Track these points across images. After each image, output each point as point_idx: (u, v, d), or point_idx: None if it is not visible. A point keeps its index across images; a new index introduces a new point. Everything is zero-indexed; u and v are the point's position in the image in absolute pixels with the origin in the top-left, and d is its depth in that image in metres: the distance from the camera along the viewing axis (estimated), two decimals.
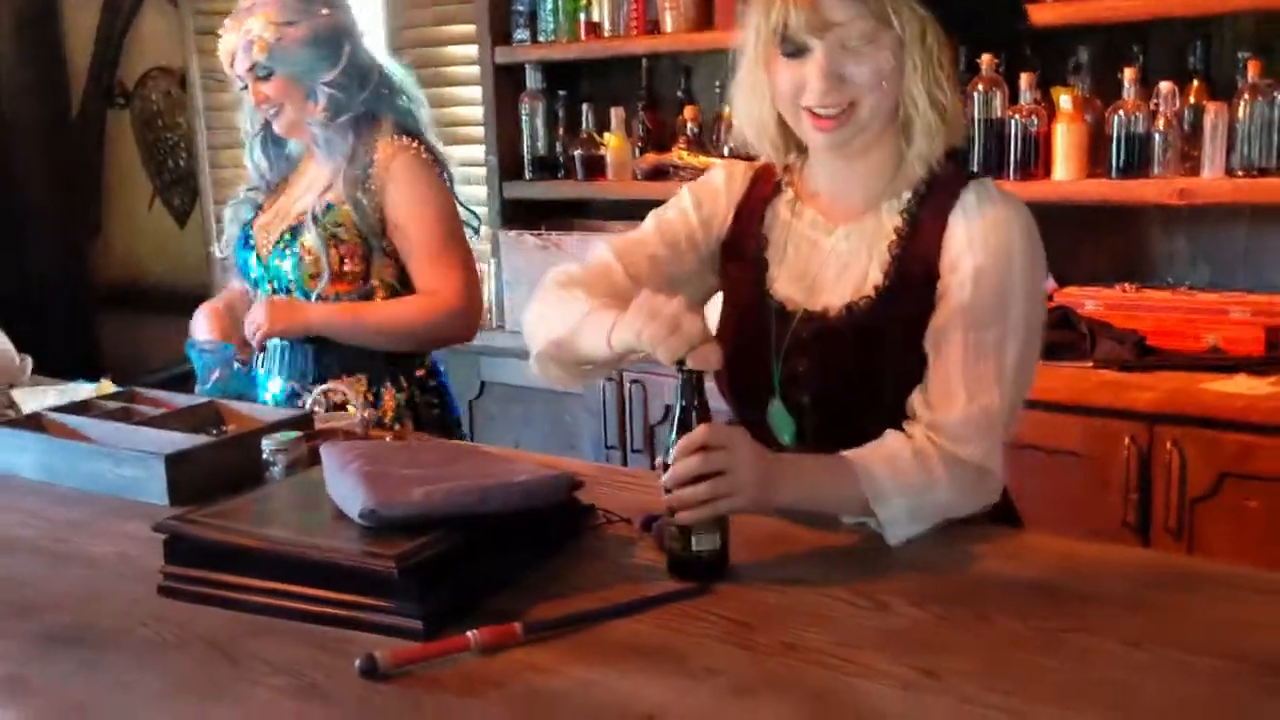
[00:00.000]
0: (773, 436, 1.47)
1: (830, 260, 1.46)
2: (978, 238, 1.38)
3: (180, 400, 1.93)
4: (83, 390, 2.08)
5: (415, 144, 2.15)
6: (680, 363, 1.23)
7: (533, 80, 3.39)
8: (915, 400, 1.38)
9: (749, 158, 1.57)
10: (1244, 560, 1.65)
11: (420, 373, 2.22)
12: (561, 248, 3.09)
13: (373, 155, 2.12)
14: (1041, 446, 2.36)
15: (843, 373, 1.41)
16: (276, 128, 2.19)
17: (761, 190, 1.54)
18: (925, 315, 1.39)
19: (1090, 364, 2.45)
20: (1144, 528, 2.30)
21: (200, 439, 1.70)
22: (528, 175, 3.43)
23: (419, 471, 1.30)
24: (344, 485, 1.28)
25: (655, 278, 1.49)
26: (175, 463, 1.59)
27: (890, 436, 1.36)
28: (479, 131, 3.52)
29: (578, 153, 3.32)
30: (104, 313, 4.87)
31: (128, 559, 1.40)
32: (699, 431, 1.23)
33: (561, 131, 3.40)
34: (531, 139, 3.42)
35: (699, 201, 1.55)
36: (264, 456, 1.58)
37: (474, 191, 3.69)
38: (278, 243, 2.16)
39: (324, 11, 2.13)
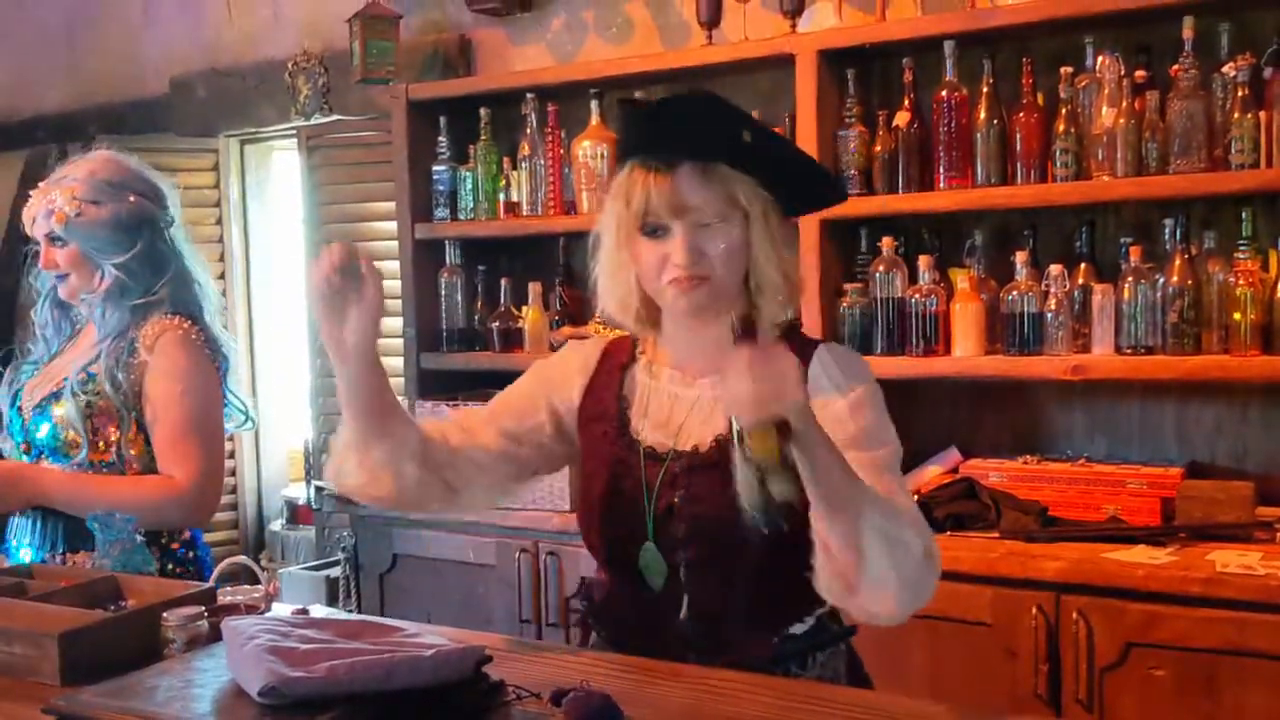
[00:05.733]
0: (644, 584, 1.52)
1: (694, 409, 1.56)
2: (843, 380, 1.50)
3: (79, 574, 1.87)
4: None
5: (187, 324, 2.19)
6: None
7: (452, 255, 3.46)
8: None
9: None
10: None
11: (175, 545, 2.22)
12: None
13: (139, 330, 2.17)
14: (952, 617, 2.39)
15: (715, 502, 1.46)
16: (61, 292, 2.25)
17: (615, 361, 1.65)
18: None
19: (996, 535, 2.50)
20: (1055, 699, 2.31)
21: (97, 615, 1.65)
22: (445, 347, 3.47)
23: (322, 646, 1.28)
24: (245, 661, 1.25)
25: (491, 429, 1.64)
26: (69, 641, 1.53)
27: None
28: (397, 304, 3.56)
29: (495, 325, 3.37)
30: None
31: None
32: (743, 354, 1.27)
33: (480, 305, 3.46)
34: (450, 312, 3.47)
35: (543, 367, 1.70)
36: (163, 633, 1.54)
37: (392, 363, 3.72)
38: (37, 407, 2.19)
39: (130, 199, 2.21)
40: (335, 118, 3.89)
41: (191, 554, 2.24)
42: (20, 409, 2.23)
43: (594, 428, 1.62)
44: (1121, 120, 2.53)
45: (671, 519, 1.51)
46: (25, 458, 2.21)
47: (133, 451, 2.17)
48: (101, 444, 2.15)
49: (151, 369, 2.14)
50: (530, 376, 1.70)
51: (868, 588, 1.34)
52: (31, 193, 2.23)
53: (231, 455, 4.28)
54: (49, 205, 2.17)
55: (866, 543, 1.32)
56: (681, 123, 1.51)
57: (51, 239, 2.19)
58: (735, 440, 1.30)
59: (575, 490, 1.65)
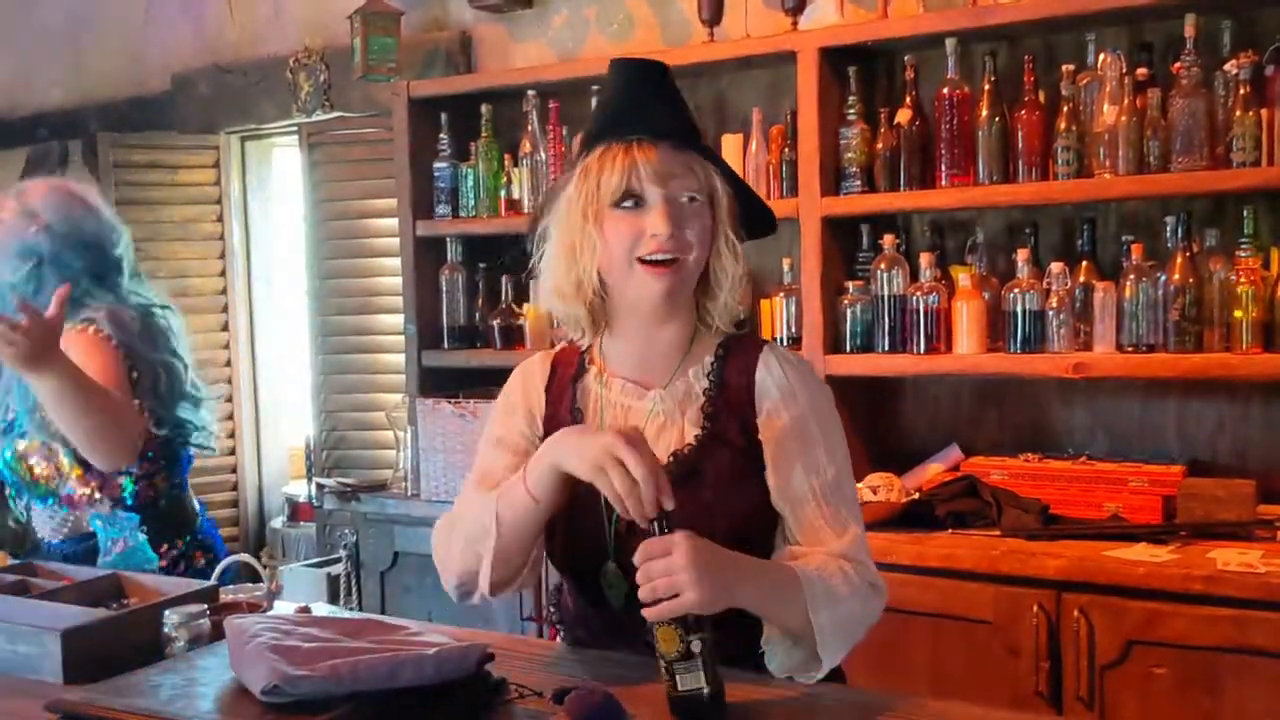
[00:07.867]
0: (606, 601, 1.53)
1: (648, 422, 1.53)
2: (788, 392, 1.53)
3: (81, 573, 1.87)
4: None
5: (91, 329, 2.12)
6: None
7: (453, 252, 3.46)
8: (788, 551, 1.49)
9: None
10: None
11: (180, 542, 2.23)
12: (478, 415, 3.10)
13: None
14: (953, 615, 2.39)
15: (679, 521, 1.42)
16: None
17: (565, 372, 1.62)
18: (744, 457, 1.51)
19: (997, 533, 2.50)
20: (1056, 697, 2.32)
21: (99, 613, 1.65)
22: (447, 344, 3.47)
23: (325, 645, 1.28)
24: (247, 660, 1.26)
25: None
26: (72, 638, 1.53)
27: (808, 555, 1.46)
28: (398, 301, 3.56)
29: (496, 323, 3.37)
30: None
31: None
32: (639, 550, 1.31)
33: (481, 302, 3.46)
34: (451, 309, 3.46)
35: (513, 404, 1.63)
36: (165, 631, 1.54)
37: (393, 360, 3.72)
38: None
39: (32, 230, 2.15)
40: (336, 114, 3.89)
41: (201, 536, 2.27)
42: None
43: None
44: (1123, 118, 2.53)
45: (635, 538, 1.44)
46: (13, 501, 2.21)
47: (71, 472, 2.13)
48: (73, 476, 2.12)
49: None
50: (500, 414, 1.65)
51: (826, 665, 1.43)
52: None
53: (232, 452, 4.28)
54: None
55: (822, 640, 1.40)
56: (670, 104, 1.52)
57: None
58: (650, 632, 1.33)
59: None
